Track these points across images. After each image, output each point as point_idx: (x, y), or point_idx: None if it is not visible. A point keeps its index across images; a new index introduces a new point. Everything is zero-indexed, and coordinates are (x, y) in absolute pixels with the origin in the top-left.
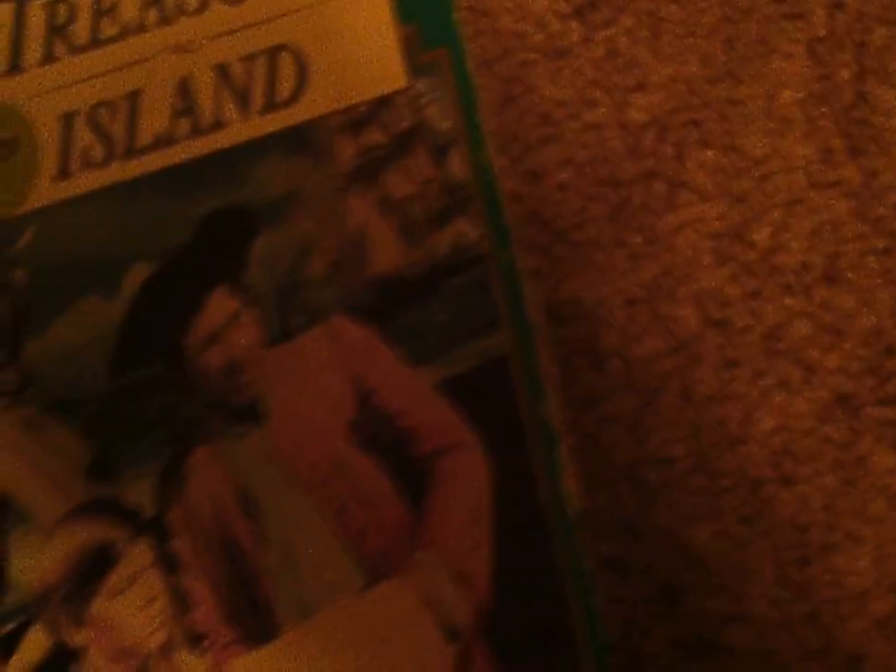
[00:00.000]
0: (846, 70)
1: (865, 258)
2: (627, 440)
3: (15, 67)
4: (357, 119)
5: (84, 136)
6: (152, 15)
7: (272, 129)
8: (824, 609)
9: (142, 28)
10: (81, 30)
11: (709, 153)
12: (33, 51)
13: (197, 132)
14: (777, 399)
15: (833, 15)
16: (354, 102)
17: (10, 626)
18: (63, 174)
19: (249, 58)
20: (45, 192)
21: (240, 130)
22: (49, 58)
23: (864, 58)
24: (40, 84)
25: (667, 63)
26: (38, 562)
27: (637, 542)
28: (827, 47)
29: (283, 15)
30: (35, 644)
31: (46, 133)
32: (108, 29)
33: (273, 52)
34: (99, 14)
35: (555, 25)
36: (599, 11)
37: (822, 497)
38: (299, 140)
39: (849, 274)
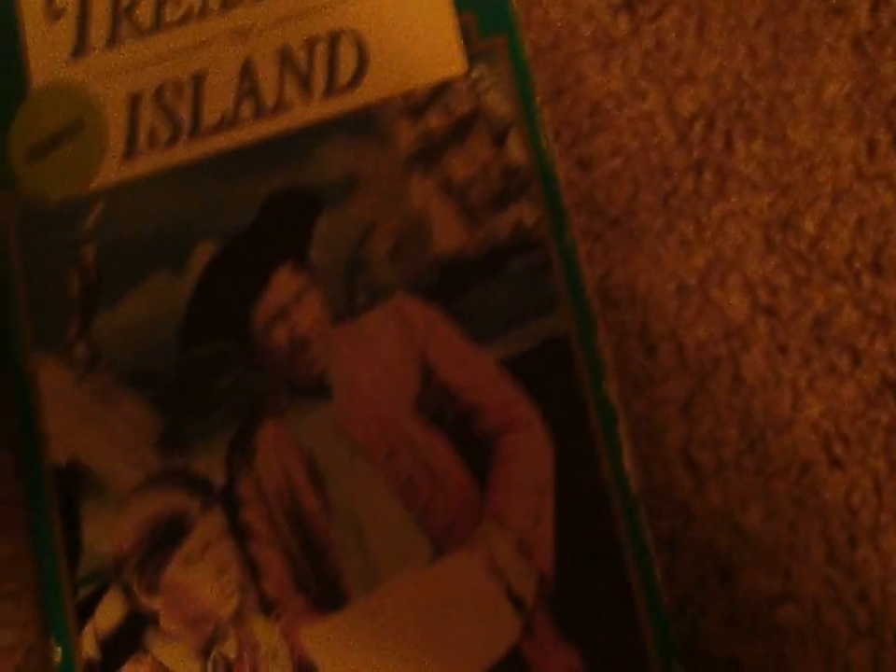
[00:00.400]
0: (890, 64)
1: None
2: (680, 423)
3: (81, 49)
4: (418, 103)
5: (150, 117)
6: (214, 0)
7: (333, 112)
8: (873, 589)
9: (204, 13)
10: (145, 14)
11: (757, 144)
12: (98, 34)
13: (260, 114)
14: (826, 383)
15: (878, 10)
16: (413, 87)
17: (86, 592)
18: (130, 153)
19: (310, 42)
20: (112, 172)
21: (302, 112)
22: (114, 40)
23: None
24: (106, 66)
25: (715, 56)
26: (112, 530)
27: (691, 523)
28: (871, 42)
29: (343, 1)
30: (111, 608)
31: (112, 114)
32: (171, 13)
33: (334, 37)
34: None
35: (605, 17)
36: (648, 4)
37: (871, 480)
38: (360, 123)
39: None
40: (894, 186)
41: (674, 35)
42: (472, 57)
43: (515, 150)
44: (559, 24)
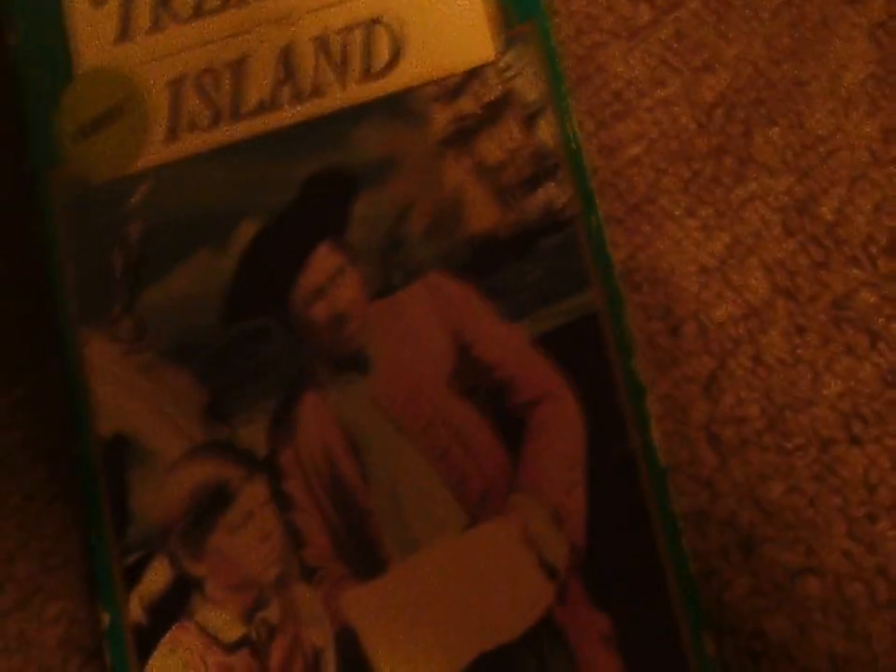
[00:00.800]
0: None
1: None
2: (703, 401)
3: (125, 35)
4: (451, 88)
5: (192, 101)
6: None
7: (369, 96)
8: (892, 563)
9: (244, 1)
10: (187, 1)
11: (776, 130)
12: (141, 21)
13: (298, 98)
14: (845, 363)
15: (893, 0)
16: (446, 73)
17: (134, 558)
18: (173, 136)
19: (346, 30)
20: (155, 153)
21: (339, 97)
22: (156, 27)
23: None
24: (149, 51)
25: (733, 45)
26: (159, 499)
27: (716, 497)
28: (885, 32)
29: None
30: (157, 575)
31: (155, 97)
32: (211, 1)
33: (369, 25)
34: None
35: (625, 8)
36: None
37: (890, 457)
38: (395, 107)
39: None
40: None
41: (693, 24)
42: (504, 43)
43: (545, 134)
44: (581, 15)
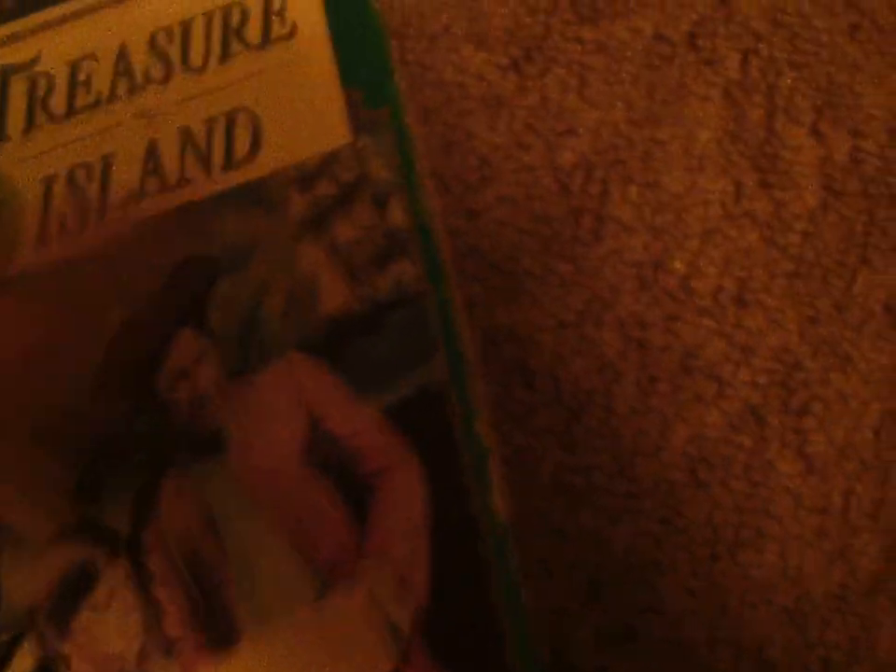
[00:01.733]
0: (758, 110)
1: (774, 281)
2: (556, 450)
3: (1, 135)
4: (309, 172)
5: (63, 200)
6: (122, 85)
7: (231, 184)
8: (732, 600)
9: (113, 97)
10: (59, 102)
11: (633, 190)
12: (16, 121)
13: (164, 189)
14: (693, 411)
15: (747, 60)
16: (304, 157)
17: (3, 640)
18: (44, 237)
19: (209, 121)
20: (28, 256)
21: (203, 186)
22: (29, 128)
23: (775, 98)
24: (22, 153)
25: (595, 109)
26: (28, 581)
27: (564, 543)
28: (741, 89)
29: (239, 80)
30: (25, 656)
31: (28, 198)
32: (83, 99)
33: (231, 115)
34: (75, 86)
35: (494, 76)
36: (533, 63)
37: (733, 499)
38: (256, 193)
39: (759, 296)
40: (759, 224)
41: (558, 90)
42: (359, 128)
43: (396, 212)
44: (451, 84)
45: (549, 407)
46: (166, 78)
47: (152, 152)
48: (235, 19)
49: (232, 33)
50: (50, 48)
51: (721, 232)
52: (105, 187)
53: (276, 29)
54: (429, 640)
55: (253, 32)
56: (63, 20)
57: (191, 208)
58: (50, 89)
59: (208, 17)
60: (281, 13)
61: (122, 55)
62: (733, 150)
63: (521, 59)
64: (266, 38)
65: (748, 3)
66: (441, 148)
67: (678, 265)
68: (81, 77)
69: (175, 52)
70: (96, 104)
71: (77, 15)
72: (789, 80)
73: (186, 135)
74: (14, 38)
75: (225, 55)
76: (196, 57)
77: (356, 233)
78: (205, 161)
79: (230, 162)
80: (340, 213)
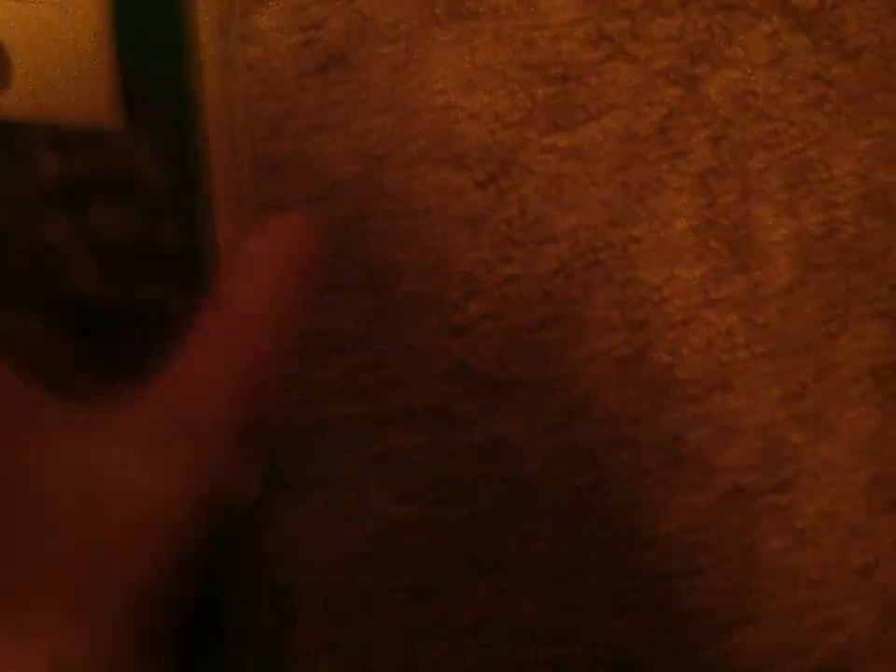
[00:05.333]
0: (731, 194)
1: (756, 361)
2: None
3: None
4: (64, 140)
5: None
6: None
7: None
8: None
9: None
10: None
11: (612, 288)
12: None
13: None
14: (683, 499)
15: (717, 146)
16: (58, 119)
17: None
18: None
19: None
20: None
21: None
22: None
23: (748, 180)
24: None
25: (573, 214)
26: None
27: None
28: (714, 175)
29: None
30: None
31: None
32: None
33: None
34: None
35: (473, 195)
36: (510, 176)
37: (729, 579)
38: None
39: (743, 378)
40: (738, 305)
41: (536, 200)
42: (134, 119)
43: (167, 223)
44: (433, 209)
45: (543, 514)
46: None
47: None
48: None
49: None
50: None
51: (700, 319)
52: None
53: None
54: None
55: None
56: None
57: None
58: None
59: None
60: None
61: None
62: (709, 236)
63: (498, 174)
64: None
65: (716, 90)
66: (426, 269)
67: (659, 357)
68: None
69: None
70: None
71: None
72: (760, 162)
73: None
74: None
75: None
76: None
77: (115, 232)
78: None
79: None
80: (100, 201)
